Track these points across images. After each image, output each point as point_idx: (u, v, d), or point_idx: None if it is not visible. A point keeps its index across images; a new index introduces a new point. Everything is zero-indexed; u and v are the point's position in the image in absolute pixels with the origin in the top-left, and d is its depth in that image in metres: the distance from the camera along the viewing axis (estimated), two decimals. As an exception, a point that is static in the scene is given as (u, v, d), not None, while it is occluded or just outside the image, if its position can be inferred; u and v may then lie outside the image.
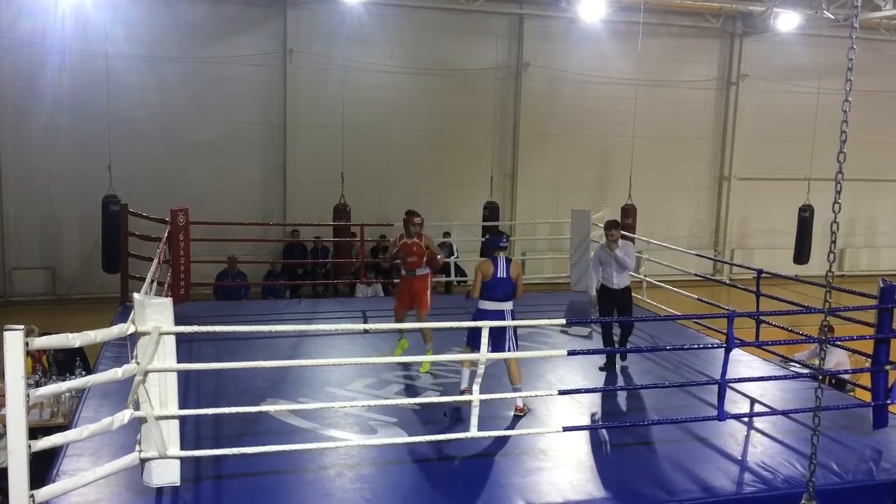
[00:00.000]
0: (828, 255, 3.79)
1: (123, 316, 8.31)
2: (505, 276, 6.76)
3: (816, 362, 4.26)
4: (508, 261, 6.85)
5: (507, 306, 6.80)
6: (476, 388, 5.68)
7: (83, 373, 8.22)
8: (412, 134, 16.84)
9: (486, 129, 17.39)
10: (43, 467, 5.17)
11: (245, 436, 5.95)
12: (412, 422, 6.52)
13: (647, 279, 11.63)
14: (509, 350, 6.74)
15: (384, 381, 7.62)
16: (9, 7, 14.15)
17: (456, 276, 14.12)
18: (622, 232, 8.75)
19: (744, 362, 8.47)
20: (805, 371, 8.43)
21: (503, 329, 6.64)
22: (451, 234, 15.27)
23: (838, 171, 3.69)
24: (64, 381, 7.04)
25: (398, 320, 8.22)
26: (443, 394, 7.20)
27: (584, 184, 17.78)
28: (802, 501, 3.92)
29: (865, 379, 7.05)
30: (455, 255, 13.81)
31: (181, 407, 4.96)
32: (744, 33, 18.68)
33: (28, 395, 4.11)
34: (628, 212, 14.89)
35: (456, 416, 6.62)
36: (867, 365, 6.87)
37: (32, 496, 4.18)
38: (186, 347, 7.25)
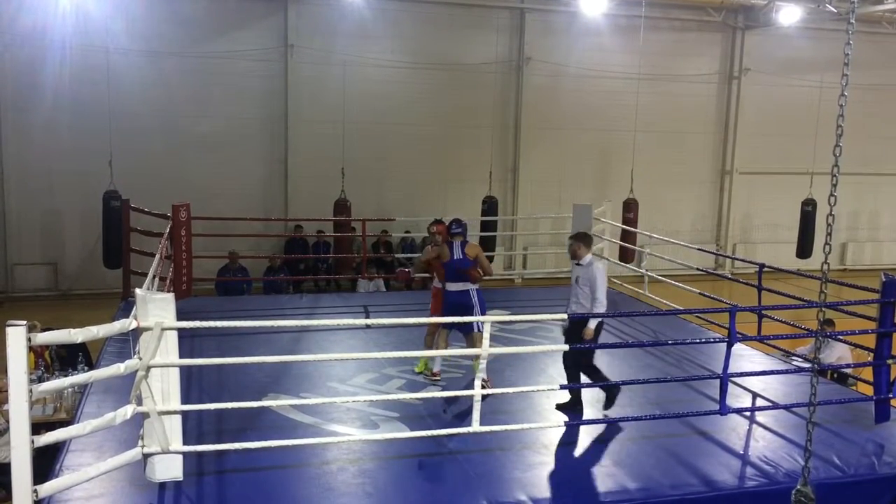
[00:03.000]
0: (823, 248, 3.81)
1: (125, 311, 8.32)
2: (461, 256, 7.51)
3: (816, 355, 4.27)
4: (464, 243, 7.63)
5: (471, 285, 7.49)
6: (478, 382, 5.67)
7: (85, 368, 8.24)
8: (413, 129, 16.82)
9: (487, 123, 17.37)
10: (46, 462, 5.19)
11: (247, 431, 5.97)
12: (414, 416, 6.52)
13: (649, 273, 11.64)
14: (477, 329, 7.22)
15: (386, 376, 7.64)
16: (9, 3, 14.13)
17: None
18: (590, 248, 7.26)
19: (746, 356, 8.47)
20: (807, 365, 8.43)
21: (470, 311, 7.30)
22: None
23: (834, 164, 3.71)
24: (66, 376, 7.09)
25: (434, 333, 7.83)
26: (444, 389, 7.21)
27: (585, 178, 17.76)
28: (798, 487, 3.95)
29: (867, 373, 7.04)
30: None
31: (183, 402, 4.97)
32: (746, 27, 18.63)
33: (31, 391, 4.11)
34: (630, 206, 14.88)
35: (453, 410, 6.63)
36: (869, 359, 6.86)
37: (35, 491, 4.19)
38: (188, 343, 7.26)
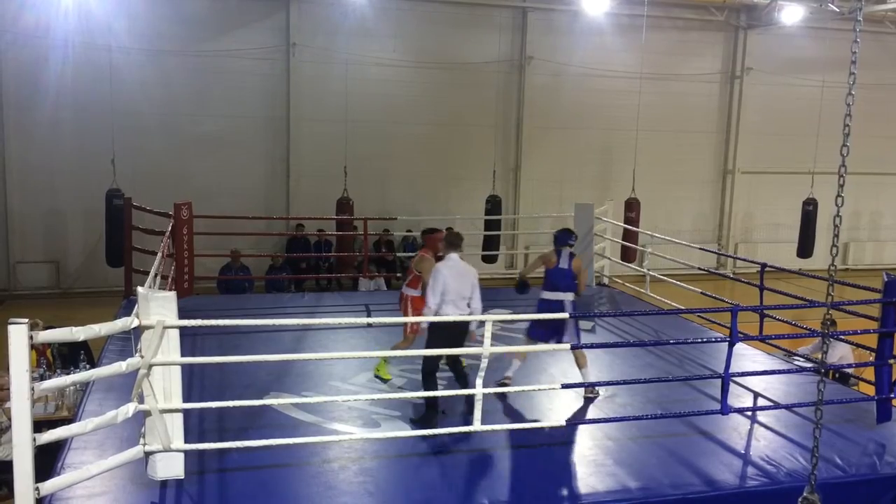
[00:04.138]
0: (830, 249, 3.77)
1: (127, 310, 8.33)
2: (566, 267, 7.42)
3: (820, 356, 4.26)
4: (572, 255, 7.53)
5: (568, 297, 7.37)
6: (479, 382, 5.67)
7: (87, 366, 8.24)
8: (415, 128, 16.83)
9: (489, 122, 17.37)
10: (48, 460, 5.19)
11: (248, 429, 5.97)
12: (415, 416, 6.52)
13: (651, 273, 11.63)
14: (573, 339, 7.13)
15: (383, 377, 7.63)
16: (11, 1, 14.15)
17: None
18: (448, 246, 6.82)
19: (747, 356, 8.46)
20: (808, 365, 8.42)
21: (563, 321, 7.08)
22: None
23: (841, 164, 3.67)
24: (68, 374, 7.10)
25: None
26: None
27: (587, 177, 17.75)
28: (804, 494, 3.92)
29: (869, 373, 7.04)
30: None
31: (185, 400, 4.97)
32: (748, 26, 18.61)
33: (32, 389, 4.12)
34: (632, 205, 14.88)
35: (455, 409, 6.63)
36: (871, 359, 6.86)
37: (37, 489, 4.20)
38: (190, 341, 7.27)
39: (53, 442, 4.52)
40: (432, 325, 6.38)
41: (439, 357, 6.49)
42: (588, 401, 7.10)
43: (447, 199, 16.60)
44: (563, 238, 7.59)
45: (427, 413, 6.34)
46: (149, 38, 14.88)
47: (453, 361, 6.74)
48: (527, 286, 8.00)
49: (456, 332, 6.38)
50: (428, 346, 6.34)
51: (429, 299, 6.46)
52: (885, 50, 18.77)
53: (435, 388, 6.38)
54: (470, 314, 6.42)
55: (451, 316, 6.36)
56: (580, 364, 7.28)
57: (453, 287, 6.42)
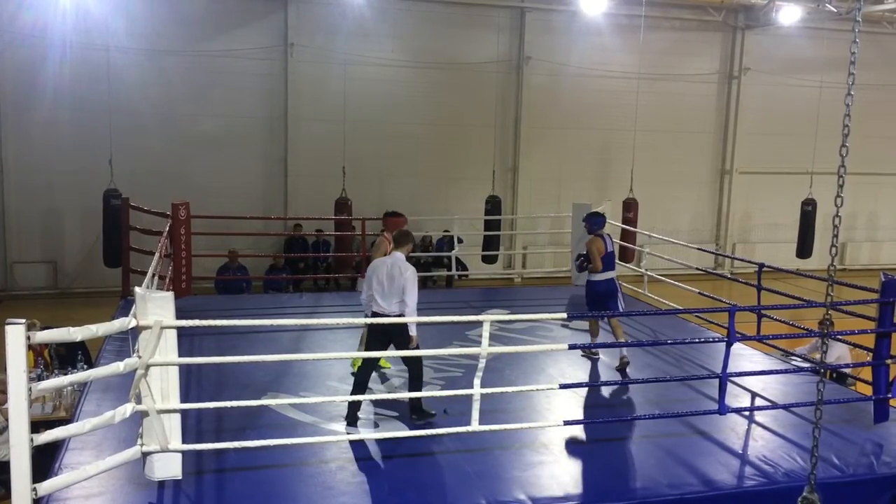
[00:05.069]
0: (830, 250, 3.77)
1: (125, 310, 8.31)
2: (612, 249, 8.25)
3: (818, 356, 4.26)
4: (609, 236, 8.32)
5: (615, 273, 8.29)
6: (477, 381, 5.67)
7: (85, 367, 8.23)
8: (413, 128, 16.82)
9: (487, 122, 17.37)
10: (45, 461, 5.19)
11: (247, 429, 5.97)
12: (413, 415, 6.52)
13: (649, 273, 11.64)
14: (620, 308, 8.21)
15: (385, 375, 7.63)
16: (9, 0, 14.13)
17: (457, 269, 14.09)
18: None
19: (745, 356, 8.47)
20: (806, 365, 8.42)
21: (615, 294, 8.15)
22: (450, 229, 15.23)
23: (840, 164, 3.67)
24: (66, 374, 7.09)
25: None
26: (444, 388, 7.21)
27: (585, 178, 17.76)
28: (804, 494, 3.92)
29: (866, 373, 7.05)
30: (460, 242, 13.63)
31: (183, 400, 4.97)
32: (746, 26, 18.63)
33: (30, 389, 4.11)
34: (630, 205, 14.88)
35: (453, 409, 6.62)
36: (868, 359, 6.87)
37: (35, 489, 4.19)
38: (188, 341, 7.27)
39: (51, 442, 4.51)
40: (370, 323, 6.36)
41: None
42: (623, 369, 7.88)
43: (446, 199, 16.60)
44: (601, 222, 8.33)
45: (349, 413, 6.28)
46: (147, 37, 14.87)
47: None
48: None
49: (385, 329, 6.37)
50: (365, 342, 6.64)
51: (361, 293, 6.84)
52: (882, 50, 18.80)
53: (365, 381, 6.38)
54: (404, 313, 6.39)
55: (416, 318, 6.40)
56: (617, 335, 8.14)
57: (374, 285, 6.48)
